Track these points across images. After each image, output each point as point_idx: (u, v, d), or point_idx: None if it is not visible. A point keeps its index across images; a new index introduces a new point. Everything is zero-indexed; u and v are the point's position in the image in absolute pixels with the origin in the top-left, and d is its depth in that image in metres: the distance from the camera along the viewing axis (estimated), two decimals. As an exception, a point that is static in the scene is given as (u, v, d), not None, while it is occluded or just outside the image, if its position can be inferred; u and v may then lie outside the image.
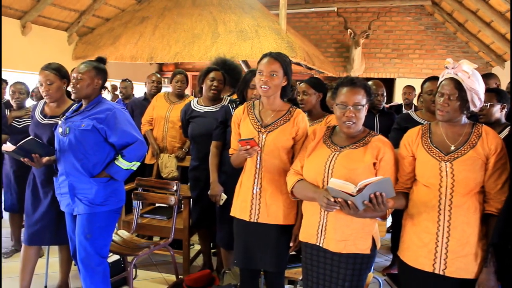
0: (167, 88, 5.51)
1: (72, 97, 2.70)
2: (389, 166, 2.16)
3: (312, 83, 3.14)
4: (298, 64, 8.15)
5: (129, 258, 3.45)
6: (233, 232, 3.11)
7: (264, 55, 2.50)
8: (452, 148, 2.05)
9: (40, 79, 2.90)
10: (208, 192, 3.19)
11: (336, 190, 1.94)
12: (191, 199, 3.61)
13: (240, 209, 2.56)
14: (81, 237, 2.65)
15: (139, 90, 8.87)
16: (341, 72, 9.93)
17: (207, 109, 3.54)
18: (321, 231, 2.20)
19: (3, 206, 4.15)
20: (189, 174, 3.63)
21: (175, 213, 3.35)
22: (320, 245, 2.21)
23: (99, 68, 2.72)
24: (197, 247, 4.31)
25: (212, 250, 3.99)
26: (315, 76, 3.46)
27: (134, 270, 3.59)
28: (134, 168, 2.73)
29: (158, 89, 4.95)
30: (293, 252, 2.71)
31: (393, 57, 9.77)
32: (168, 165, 4.15)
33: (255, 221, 2.49)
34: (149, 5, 8.62)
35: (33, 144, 2.63)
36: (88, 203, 2.64)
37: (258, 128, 2.49)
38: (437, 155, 2.06)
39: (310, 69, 8.99)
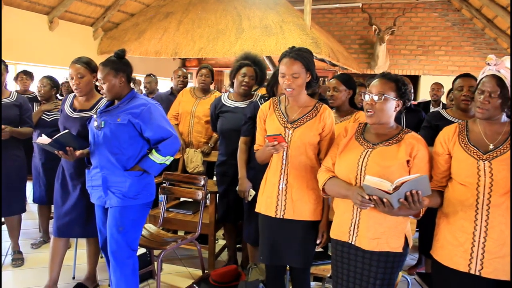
0: (191, 83, 5.54)
1: (106, 99, 2.72)
2: (423, 163, 2.11)
3: (343, 80, 3.12)
4: (322, 60, 8.10)
5: (155, 252, 3.47)
6: (259, 228, 3.12)
7: (284, 55, 2.45)
8: (491, 146, 2.00)
9: (71, 73, 2.92)
10: (237, 188, 3.19)
11: (372, 188, 1.91)
12: (218, 194, 3.61)
13: (265, 205, 2.55)
14: (113, 230, 2.67)
15: (162, 85, 8.92)
16: (365, 69, 9.83)
17: (237, 104, 3.54)
18: (354, 228, 2.17)
19: (32, 198, 4.21)
20: (216, 169, 3.64)
21: (202, 208, 3.36)
22: (352, 242, 2.19)
23: (117, 65, 2.69)
24: (221, 242, 4.32)
25: (237, 245, 3.99)
26: (344, 72, 3.42)
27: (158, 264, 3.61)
28: (168, 162, 2.74)
29: (184, 84, 4.96)
30: (320, 249, 2.70)
31: (418, 54, 9.63)
32: (194, 160, 4.16)
33: (281, 217, 2.48)
34: (174, 0, 8.64)
35: (68, 138, 2.66)
36: (121, 196, 2.66)
37: (285, 124, 2.48)
38: (474, 153, 2.01)
39: (334, 65, 8.93)
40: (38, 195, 4.07)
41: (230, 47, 7.33)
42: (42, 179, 4.02)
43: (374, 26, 9.20)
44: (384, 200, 1.90)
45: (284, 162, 2.46)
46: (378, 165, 2.09)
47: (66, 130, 2.69)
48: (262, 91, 4.02)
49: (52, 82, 4.16)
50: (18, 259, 3.78)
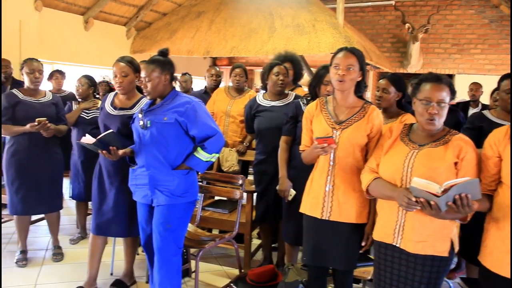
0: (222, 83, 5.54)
1: (148, 98, 2.75)
2: (471, 166, 2.06)
3: (393, 81, 3.07)
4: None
5: (192, 250, 3.50)
6: (302, 229, 3.11)
7: (340, 49, 2.47)
8: None
9: (115, 71, 2.96)
10: (277, 187, 3.19)
11: (419, 190, 1.88)
12: (256, 193, 3.62)
13: (310, 206, 2.53)
14: (160, 228, 2.70)
15: (194, 84, 8.98)
16: (397, 68, 9.68)
17: (273, 103, 3.53)
18: (399, 231, 2.14)
19: (68, 194, 4.30)
20: (254, 168, 3.65)
21: (240, 207, 3.36)
22: (397, 245, 2.16)
23: (163, 63, 2.72)
24: (255, 241, 4.32)
25: (273, 245, 3.98)
26: (395, 73, 3.38)
27: (195, 262, 3.63)
28: (213, 160, 2.77)
29: (218, 83, 4.98)
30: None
31: (452, 53, 9.42)
32: (229, 159, 4.18)
33: (327, 219, 2.46)
34: (206, -1, 8.71)
35: (112, 137, 2.70)
36: (169, 195, 2.69)
37: (332, 124, 2.46)
38: None
39: (367, 64, 8.81)
40: (76, 192, 4.16)
41: (262, 46, 7.33)
42: (81, 176, 4.10)
43: (407, 24, 9.04)
44: (432, 202, 1.87)
45: (331, 163, 2.44)
46: (425, 166, 2.06)
47: (110, 130, 2.73)
48: (299, 91, 4.01)
49: (89, 81, 4.23)
50: (58, 254, 3.87)
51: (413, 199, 1.91)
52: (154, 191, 2.73)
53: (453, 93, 2.14)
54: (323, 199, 2.47)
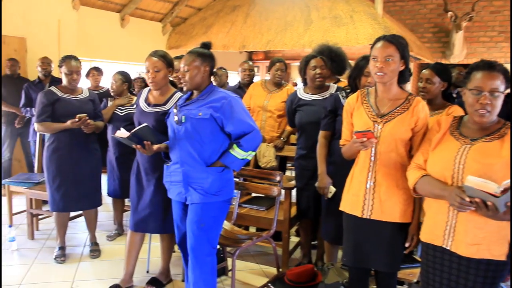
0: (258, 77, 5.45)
1: (184, 89, 2.67)
2: None
3: (437, 70, 2.91)
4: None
5: (228, 248, 3.42)
6: (342, 228, 2.98)
7: (378, 39, 2.30)
8: None
9: (147, 66, 2.90)
10: (316, 184, 3.08)
11: (474, 189, 1.71)
12: (296, 189, 3.51)
13: (351, 204, 2.40)
14: (194, 227, 2.62)
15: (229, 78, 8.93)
16: (439, 58, 9.29)
17: (314, 97, 3.41)
18: (449, 232, 1.98)
19: (107, 191, 4.30)
20: (295, 163, 3.55)
21: (278, 205, 3.26)
22: (447, 247, 1.99)
23: (204, 55, 2.64)
24: (293, 239, 4.20)
25: (312, 243, 3.86)
26: (439, 62, 3.20)
27: (232, 261, 3.55)
28: (249, 158, 2.66)
29: (251, 77, 4.89)
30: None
31: (499, 41, 8.96)
32: (267, 154, 4.08)
33: (368, 217, 2.32)
34: (240, -7, 8.63)
35: (146, 132, 2.64)
36: (203, 193, 2.60)
37: (374, 118, 2.31)
38: None
39: (406, 55, 8.51)
40: (112, 189, 4.15)
41: (299, 39, 7.20)
42: (116, 173, 4.09)
43: (450, 12, 8.67)
44: (489, 203, 1.71)
45: (372, 159, 2.30)
46: (478, 162, 1.89)
47: (145, 124, 2.66)
48: (343, 84, 3.87)
49: (123, 77, 4.21)
50: (96, 251, 3.87)
51: (467, 199, 1.75)
52: (187, 189, 2.65)
53: (508, 81, 1.95)
54: (364, 196, 2.33)
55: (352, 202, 2.39)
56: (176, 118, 2.63)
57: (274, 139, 4.19)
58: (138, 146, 2.66)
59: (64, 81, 3.57)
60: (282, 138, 4.20)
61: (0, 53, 5.53)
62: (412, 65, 9.43)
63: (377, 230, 2.32)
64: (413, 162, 2.16)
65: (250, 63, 5.01)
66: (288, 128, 4.28)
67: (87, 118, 3.40)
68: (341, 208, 2.47)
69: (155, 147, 2.70)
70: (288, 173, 3.62)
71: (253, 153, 2.67)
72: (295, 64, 10.21)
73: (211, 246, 2.69)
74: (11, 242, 3.93)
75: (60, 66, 3.53)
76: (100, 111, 3.75)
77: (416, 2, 9.65)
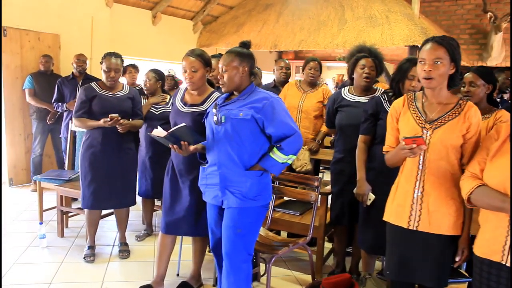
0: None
1: (223, 90, 2.57)
2: None
3: (481, 73, 2.76)
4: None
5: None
6: (381, 236, 2.84)
7: (426, 41, 2.18)
8: None
9: (184, 65, 2.81)
10: (354, 190, 2.94)
11: None
12: (331, 194, 3.37)
13: (396, 214, 2.27)
14: (230, 232, 2.52)
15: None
16: (476, 61, 9.00)
17: (358, 98, 3.27)
18: (509, 248, 1.83)
19: (137, 191, 4.24)
20: (331, 167, 3.40)
21: (315, 211, 3.13)
22: (507, 264, 1.84)
23: (243, 54, 2.53)
24: (326, 244, 4.06)
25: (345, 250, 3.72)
26: (483, 65, 3.05)
27: (263, 266, 3.45)
28: (290, 162, 2.53)
29: (287, 76, 4.76)
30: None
31: (540, 43, 8.62)
32: (301, 157, 3.95)
33: (414, 229, 2.18)
34: (273, -8, 8.51)
35: (184, 131, 2.54)
36: (241, 197, 2.49)
37: (422, 123, 2.17)
38: None
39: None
40: (144, 189, 4.08)
41: (332, 39, 7.04)
42: (148, 172, 4.02)
43: (489, 13, 8.37)
44: None
45: (420, 167, 2.16)
46: (544, 174, 1.74)
47: (183, 124, 2.57)
48: (381, 85, 3.73)
49: (157, 75, 4.14)
50: (125, 251, 3.81)
51: None
52: (224, 192, 2.55)
53: None
54: (411, 206, 2.20)
55: (397, 213, 2.25)
56: (215, 118, 2.53)
57: (308, 142, 4.06)
58: (175, 146, 2.57)
59: (103, 78, 3.52)
60: (317, 141, 4.07)
61: (0, 47, 5.55)
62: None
63: (424, 243, 2.18)
64: (468, 171, 2.02)
65: (287, 61, 4.88)
66: (323, 129, 4.15)
67: (119, 118, 3.33)
68: (385, 218, 2.34)
69: (192, 147, 2.60)
70: (330, 176, 3.47)
71: (294, 157, 2.54)
72: (328, 65, 10.10)
73: (247, 252, 2.58)
74: (42, 239, 3.90)
75: (101, 63, 3.49)
76: (139, 109, 3.67)
77: (453, 2, 9.36)
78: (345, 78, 9.80)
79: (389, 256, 2.33)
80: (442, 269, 2.21)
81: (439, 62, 2.07)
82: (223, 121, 2.49)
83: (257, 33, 7.84)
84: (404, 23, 6.70)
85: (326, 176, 5.54)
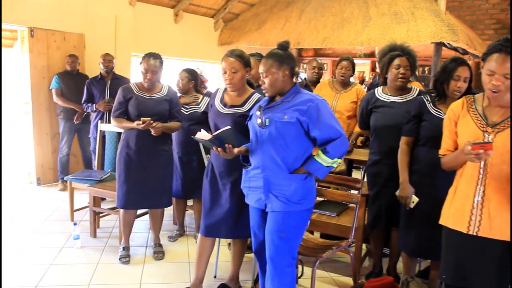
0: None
1: (267, 95, 2.53)
2: None
3: None
4: (453, 49, 7.42)
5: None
6: (425, 240, 2.80)
7: (495, 48, 2.00)
8: None
9: (224, 66, 2.77)
10: (397, 193, 2.90)
11: None
12: (368, 196, 3.32)
13: (454, 219, 2.21)
14: (274, 236, 2.48)
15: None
16: (501, 57, 8.85)
17: (393, 98, 3.20)
18: None
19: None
20: (367, 169, 3.35)
21: (357, 213, 3.08)
22: None
23: (281, 57, 2.48)
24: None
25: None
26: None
27: (301, 267, 3.42)
28: (335, 165, 2.48)
29: (319, 76, 4.71)
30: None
31: None
32: (335, 158, 3.90)
33: (474, 234, 2.13)
34: (295, -12, 8.43)
35: (230, 134, 2.51)
36: (285, 201, 2.45)
37: (483, 127, 2.11)
38: None
39: (466, 53, 8.16)
40: (174, 189, 4.05)
41: (357, 36, 6.95)
42: (179, 173, 4.00)
43: (515, 7, 8.22)
44: None
45: (481, 171, 2.10)
46: None
47: (228, 127, 2.53)
48: (415, 84, 3.67)
49: (190, 75, 4.11)
50: (160, 252, 3.80)
51: None
52: (268, 196, 2.51)
53: None
54: (471, 211, 2.14)
55: (456, 217, 2.20)
56: (259, 120, 2.49)
57: (342, 142, 4.01)
58: (219, 149, 2.54)
59: (142, 78, 3.52)
60: (351, 141, 4.02)
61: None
62: (470, 64, 9.02)
63: (485, 248, 2.12)
64: None
65: (319, 60, 4.82)
66: (357, 129, 4.10)
67: (152, 121, 3.31)
68: (442, 222, 2.29)
69: (236, 150, 2.57)
70: (366, 179, 3.41)
71: (339, 161, 2.49)
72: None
73: (291, 256, 2.54)
74: (76, 240, 3.91)
75: (140, 63, 3.47)
76: (177, 111, 3.63)
77: (478, -3, 9.20)
78: (366, 75, 9.76)
79: (446, 261, 2.27)
80: (504, 276, 2.14)
81: (509, 77, 1.98)
82: (267, 124, 2.46)
83: (279, 31, 7.77)
84: (430, 20, 6.58)
85: (355, 174, 5.49)
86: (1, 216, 4.32)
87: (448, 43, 6.67)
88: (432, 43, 6.65)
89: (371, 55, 10.01)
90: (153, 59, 3.43)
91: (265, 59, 2.49)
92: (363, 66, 9.92)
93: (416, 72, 6.89)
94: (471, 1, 9.25)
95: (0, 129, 5.96)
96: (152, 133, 3.38)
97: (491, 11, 9.10)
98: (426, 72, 9.24)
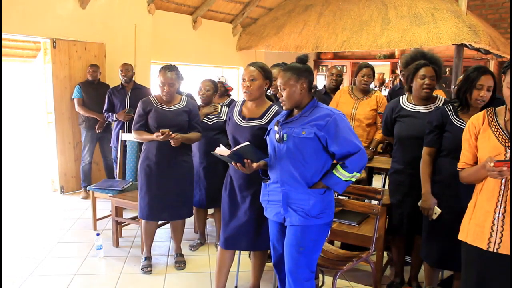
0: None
1: (284, 108, 2.53)
2: None
3: None
4: (475, 49, 7.29)
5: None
6: (447, 251, 2.76)
7: None
8: None
9: (244, 74, 2.80)
10: (419, 204, 2.88)
11: None
12: (390, 205, 3.30)
13: (474, 235, 2.17)
14: (293, 250, 2.48)
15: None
16: (525, 56, 8.68)
17: (418, 108, 3.17)
18: None
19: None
20: (389, 178, 3.33)
21: (377, 223, 3.05)
22: None
23: (299, 70, 2.49)
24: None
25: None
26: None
27: (321, 276, 3.40)
28: (354, 179, 2.47)
29: (338, 83, 4.69)
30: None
31: None
32: (356, 166, 3.87)
33: (495, 251, 2.09)
34: (313, -8, 8.40)
35: (248, 150, 2.52)
36: (303, 215, 2.45)
37: (505, 142, 2.07)
38: None
39: (488, 53, 8.01)
40: (198, 199, 4.09)
41: (376, 39, 6.89)
42: (202, 182, 4.03)
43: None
44: None
45: (502, 187, 2.06)
46: None
47: (247, 143, 2.55)
48: (438, 92, 3.62)
49: (214, 86, 4.14)
50: (181, 262, 3.82)
51: None
52: (287, 210, 2.51)
53: None
54: (491, 228, 2.10)
55: (476, 233, 2.16)
56: (277, 136, 2.49)
57: (363, 150, 3.98)
58: (238, 164, 2.55)
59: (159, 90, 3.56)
60: (371, 148, 3.99)
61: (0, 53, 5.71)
62: (492, 63, 8.86)
63: (505, 265, 2.08)
64: None
65: (338, 67, 4.81)
66: (377, 137, 4.07)
67: (171, 133, 3.34)
68: (461, 238, 2.25)
69: (255, 165, 2.57)
70: (388, 187, 3.39)
71: (358, 175, 2.48)
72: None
73: (309, 270, 2.53)
74: (99, 250, 3.96)
75: (157, 77, 3.51)
76: (197, 122, 3.65)
77: (500, -5, 9.04)
78: (386, 77, 9.67)
79: (466, 278, 2.24)
80: None
81: None
82: (285, 139, 2.46)
83: (297, 35, 7.75)
84: (451, 21, 6.48)
85: (376, 180, 5.44)
86: (1, 218, 4.38)
87: (470, 44, 6.56)
88: (453, 45, 6.55)
89: (390, 56, 9.92)
90: (169, 71, 3.46)
91: (283, 72, 2.50)
92: (383, 68, 9.82)
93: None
94: (493, 0, 9.07)
95: (0, 135, 6.12)
96: (171, 144, 3.41)
97: (514, 9, 8.91)
98: (447, 72, 9.11)
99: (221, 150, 2.54)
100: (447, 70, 8.89)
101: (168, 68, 3.48)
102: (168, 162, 3.54)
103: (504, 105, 2.13)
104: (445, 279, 3.49)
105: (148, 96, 3.64)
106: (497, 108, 2.20)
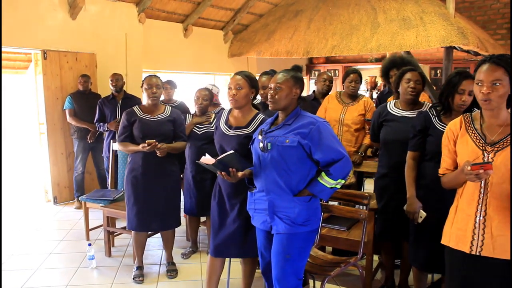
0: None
1: (270, 108, 2.56)
2: None
3: None
4: (464, 51, 7.34)
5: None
6: (433, 254, 2.78)
7: (482, 61, 2.08)
8: None
9: (230, 83, 2.83)
10: (404, 208, 2.89)
11: None
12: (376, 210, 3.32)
13: (456, 238, 2.20)
14: (279, 257, 2.50)
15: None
16: (514, 57, 8.72)
17: (404, 113, 3.21)
18: None
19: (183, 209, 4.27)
20: (375, 183, 3.36)
21: (365, 228, 3.08)
22: None
23: (297, 78, 2.54)
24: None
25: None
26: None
27: (312, 282, 3.42)
28: (339, 186, 2.50)
29: (329, 89, 4.72)
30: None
31: None
32: (344, 171, 3.90)
33: (477, 254, 2.11)
34: (303, -2, 8.45)
35: (233, 158, 2.54)
36: (289, 223, 2.48)
37: (482, 146, 2.10)
38: None
39: (477, 54, 8.07)
40: (188, 207, 4.10)
41: (366, 43, 6.94)
42: (192, 191, 4.04)
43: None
44: None
45: (482, 190, 2.09)
46: None
47: (231, 151, 2.57)
48: (423, 97, 3.66)
49: (211, 95, 4.15)
50: (173, 271, 3.83)
51: None
52: (273, 218, 2.53)
53: None
54: (473, 231, 2.12)
55: (458, 237, 2.18)
56: (261, 144, 2.52)
57: (351, 154, 4.01)
58: (223, 173, 2.57)
59: (145, 98, 3.58)
60: (360, 153, 4.02)
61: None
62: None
63: (488, 268, 2.11)
64: None
65: (330, 74, 4.84)
66: (366, 141, 4.10)
67: (157, 143, 3.36)
68: (444, 242, 2.28)
69: (240, 174, 2.60)
70: (375, 192, 3.41)
71: (343, 182, 2.50)
72: (357, 67, 9.92)
73: (296, 277, 2.55)
74: (91, 260, 3.97)
75: (142, 86, 3.54)
76: (182, 131, 3.68)
77: (488, -4, 9.11)
78: (378, 79, 9.72)
79: (450, 281, 2.26)
80: None
81: (497, 84, 1.99)
82: (269, 148, 2.48)
83: (288, 40, 7.79)
84: (439, 24, 6.54)
85: (368, 183, 5.47)
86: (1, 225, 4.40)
87: (459, 47, 6.62)
88: (442, 47, 6.60)
89: (382, 59, 9.93)
90: (154, 77, 3.58)
91: (282, 73, 2.54)
92: (375, 71, 9.86)
93: (428, 76, 6.83)
94: (482, 1, 9.16)
95: (0, 145, 6.13)
96: (157, 154, 3.43)
97: (502, 10, 9.00)
98: (439, 74, 9.17)
99: (206, 159, 2.56)
100: (438, 72, 8.97)
101: (154, 76, 3.60)
102: (154, 172, 3.56)
103: (480, 110, 2.17)
104: (435, 282, 3.51)
105: (132, 108, 3.66)
106: (473, 113, 2.23)
